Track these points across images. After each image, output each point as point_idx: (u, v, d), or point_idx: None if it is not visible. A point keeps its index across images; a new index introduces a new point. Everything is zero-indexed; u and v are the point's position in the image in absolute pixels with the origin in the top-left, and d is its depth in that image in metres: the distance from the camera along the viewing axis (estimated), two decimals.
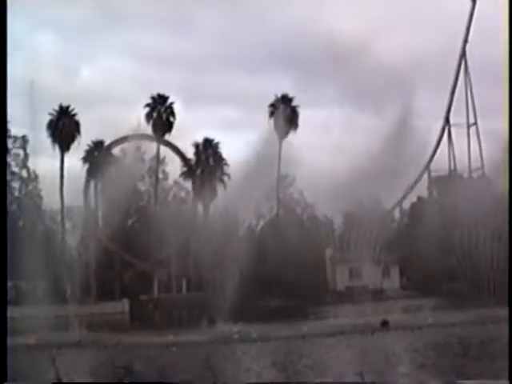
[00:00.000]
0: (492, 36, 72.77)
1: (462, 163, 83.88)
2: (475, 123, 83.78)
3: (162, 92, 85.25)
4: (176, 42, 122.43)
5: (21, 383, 23.26)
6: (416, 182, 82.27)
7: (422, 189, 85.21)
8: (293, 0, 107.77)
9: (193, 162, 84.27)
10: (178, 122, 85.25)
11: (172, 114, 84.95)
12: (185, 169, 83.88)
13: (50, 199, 78.61)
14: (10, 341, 34.57)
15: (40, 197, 79.11)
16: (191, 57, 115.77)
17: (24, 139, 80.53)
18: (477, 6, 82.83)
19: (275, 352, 31.45)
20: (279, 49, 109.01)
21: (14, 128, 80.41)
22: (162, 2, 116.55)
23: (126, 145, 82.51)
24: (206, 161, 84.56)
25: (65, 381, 20.18)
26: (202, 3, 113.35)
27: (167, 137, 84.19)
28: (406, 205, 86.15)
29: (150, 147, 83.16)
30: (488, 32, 75.15)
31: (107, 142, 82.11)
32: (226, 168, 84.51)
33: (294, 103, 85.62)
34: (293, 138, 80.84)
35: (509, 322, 28.86)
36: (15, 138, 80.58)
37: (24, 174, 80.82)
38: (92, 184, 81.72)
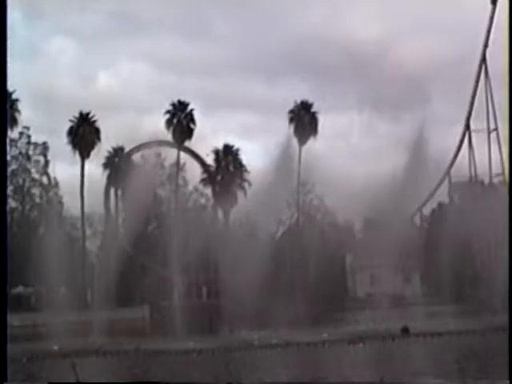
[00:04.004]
0: None
1: (482, 169, 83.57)
2: (496, 129, 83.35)
3: (180, 98, 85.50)
4: (194, 48, 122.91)
5: (21, 383, 23.29)
6: (437, 188, 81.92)
7: (443, 195, 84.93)
8: (311, 6, 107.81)
9: (213, 169, 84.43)
10: (197, 129, 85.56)
11: (192, 120, 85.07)
12: (205, 175, 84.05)
13: (70, 205, 79.00)
14: (30, 347, 34.86)
15: (61, 203, 79.50)
16: (210, 63, 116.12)
17: (44, 146, 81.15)
18: (497, 10, 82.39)
19: (295, 358, 31.40)
20: (298, 55, 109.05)
21: (35, 134, 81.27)
22: (180, 8, 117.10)
23: (146, 151, 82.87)
24: (226, 167, 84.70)
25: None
26: (221, 9, 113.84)
27: (187, 143, 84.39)
28: (427, 211, 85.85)
29: (170, 154, 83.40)
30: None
31: (127, 149, 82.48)
32: (245, 174, 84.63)
33: (313, 109, 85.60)
34: (312, 144, 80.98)
35: (509, 321, 28.52)
36: (36, 145, 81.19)
37: (44, 180, 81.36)
38: (112, 190, 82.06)
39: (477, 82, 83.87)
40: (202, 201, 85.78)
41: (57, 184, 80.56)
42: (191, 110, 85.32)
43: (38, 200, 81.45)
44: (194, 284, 78.16)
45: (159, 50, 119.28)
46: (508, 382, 16.64)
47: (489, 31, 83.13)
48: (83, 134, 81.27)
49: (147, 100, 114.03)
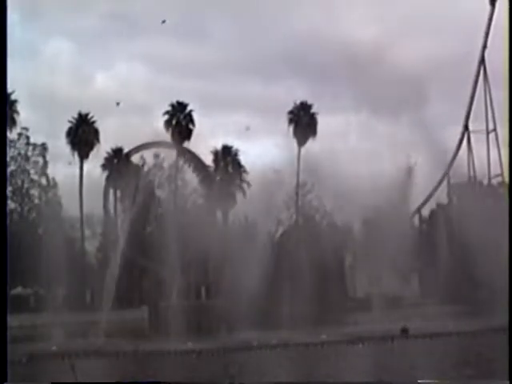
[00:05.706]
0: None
1: (481, 170, 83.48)
2: (494, 129, 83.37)
3: (179, 99, 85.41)
4: (192, 49, 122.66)
5: (21, 383, 23.26)
6: (436, 188, 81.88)
7: (442, 195, 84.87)
8: (308, 6, 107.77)
9: (211, 170, 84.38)
10: (196, 129, 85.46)
11: (191, 121, 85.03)
12: (204, 176, 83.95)
13: (69, 206, 78.88)
14: (29, 348, 34.83)
15: (59, 204, 79.40)
16: (208, 64, 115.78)
17: (43, 147, 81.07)
18: (496, 11, 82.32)
19: (294, 359, 31.40)
20: (296, 55, 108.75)
21: (33, 135, 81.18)
22: (177, 9, 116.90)
23: (145, 152, 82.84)
24: (225, 168, 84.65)
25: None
26: (218, 11, 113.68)
27: (186, 144, 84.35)
28: (426, 212, 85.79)
29: (169, 155, 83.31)
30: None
31: (126, 150, 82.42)
32: (244, 175, 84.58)
33: (312, 110, 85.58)
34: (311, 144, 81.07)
35: (509, 321, 28.48)
36: (35, 146, 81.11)
37: (43, 181, 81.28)
38: (111, 191, 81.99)
39: (475, 82, 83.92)
40: (201, 201, 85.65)
41: (56, 185, 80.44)
42: (190, 111, 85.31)
43: (36, 201, 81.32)
44: (193, 285, 78.07)
45: (157, 51, 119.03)
46: (508, 382, 16.63)
47: (487, 32, 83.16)
48: (82, 134, 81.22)
49: (146, 101, 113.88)
